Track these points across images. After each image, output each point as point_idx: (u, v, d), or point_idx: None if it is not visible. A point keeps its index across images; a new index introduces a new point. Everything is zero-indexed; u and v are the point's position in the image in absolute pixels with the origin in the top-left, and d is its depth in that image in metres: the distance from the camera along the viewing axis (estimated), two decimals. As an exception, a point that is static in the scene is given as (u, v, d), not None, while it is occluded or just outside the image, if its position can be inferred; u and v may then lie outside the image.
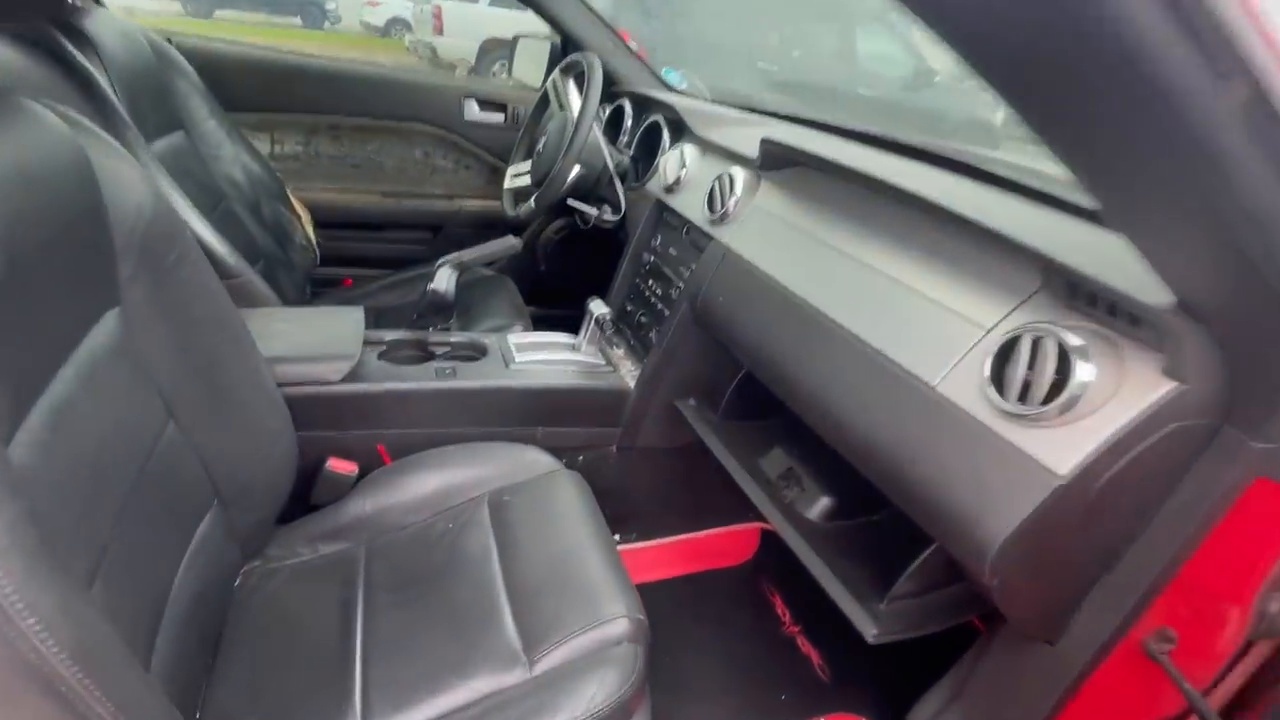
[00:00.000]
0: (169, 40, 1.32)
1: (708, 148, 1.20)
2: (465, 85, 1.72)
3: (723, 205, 1.03)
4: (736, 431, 1.08)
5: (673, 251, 1.20)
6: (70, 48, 0.93)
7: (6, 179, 0.49)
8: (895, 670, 0.99)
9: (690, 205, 1.15)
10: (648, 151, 1.40)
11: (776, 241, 0.93)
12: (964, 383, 0.63)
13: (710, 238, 1.05)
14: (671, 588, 1.26)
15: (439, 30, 7.96)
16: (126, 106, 1.01)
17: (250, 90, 1.50)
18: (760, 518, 1.33)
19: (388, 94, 1.63)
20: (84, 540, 0.54)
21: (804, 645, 1.19)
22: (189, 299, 0.73)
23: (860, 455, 0.72)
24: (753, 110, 1.38)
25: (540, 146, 1.40)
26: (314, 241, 1.55)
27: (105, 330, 0.64)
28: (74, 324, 0.58)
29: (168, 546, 0.70)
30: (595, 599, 0.82)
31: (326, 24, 11.11)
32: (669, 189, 1.22)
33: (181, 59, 1.28)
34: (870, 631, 0.75)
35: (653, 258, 1.26)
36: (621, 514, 1.24)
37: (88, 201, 0.59)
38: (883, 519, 0.92)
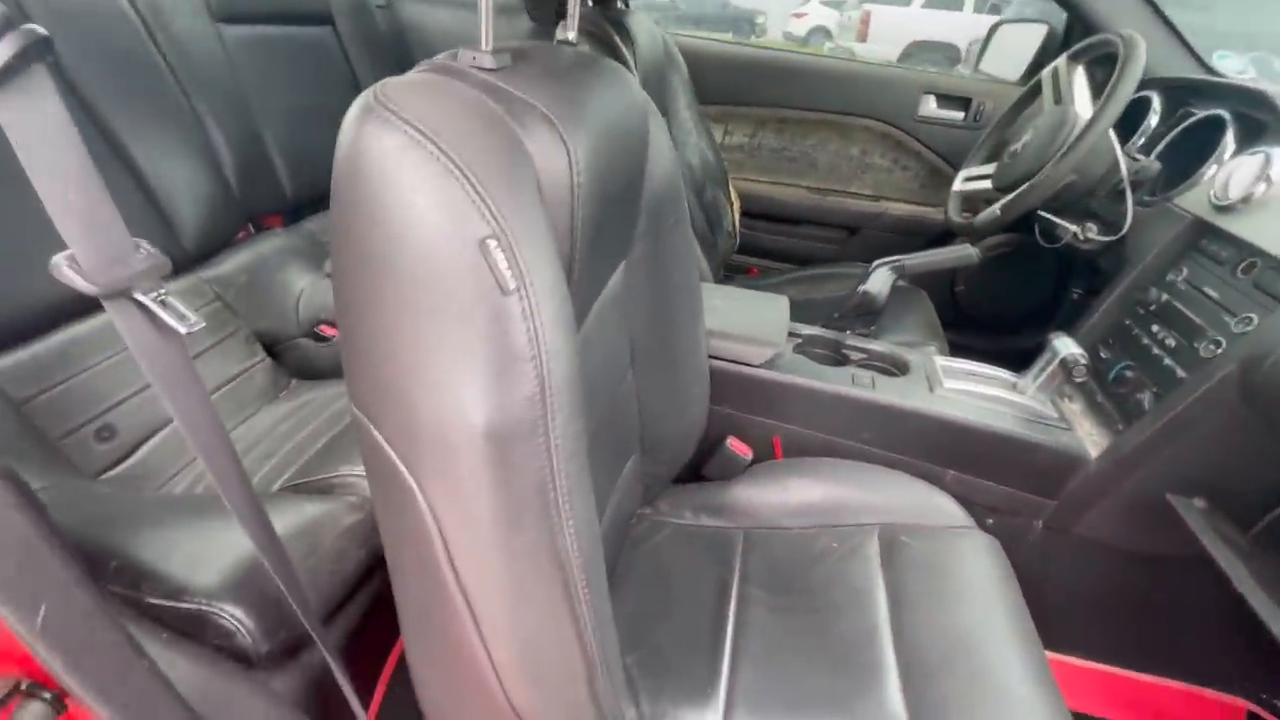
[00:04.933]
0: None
1: (1324, 153, 0.82)
2: (926, 78, 1.58)
3: (1356, 236, 0.68)
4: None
5: (1210, 292, 0.86)
6: (619, 42, 1.10)
7: (613, 130, 0.55)
8: None
9: (1268, 232, 0.80)
10: (1177, 158, 1.06)
11: None
12: None
13: (1311, 281, 0.71)
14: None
15: (863, 36, 7.86)
16: (640, 92, 1.16)
17: (719, 83, 1.63)
18: (1254, 694, 0.91)
19: (842, 86, 1.59)
20: None
21: None
22: (673, 262, 0.78)
23: None
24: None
25: (1017, 146, 1.18)
26: (737, 228, 1.63)
27: (616, 277, 0.72)
28: (606, 268, 0.66)
29: (606, 479, 0.78)
30: (1013, 706, 0.64)
31: (753, 36, 12.06)
32: (1226, 207, 0.88)
33: (678, 54, 1.44)
34: None
35: (1165, 296, 0.94)
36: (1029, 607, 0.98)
37: (639, 160, 0.65)
38: None
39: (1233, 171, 0.88)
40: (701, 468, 1.03)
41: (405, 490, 0.39)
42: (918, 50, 6.31)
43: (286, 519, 0.71)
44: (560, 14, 1.25)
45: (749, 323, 0.99)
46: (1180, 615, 0.88)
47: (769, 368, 0.98)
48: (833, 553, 0.87)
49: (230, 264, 1.16)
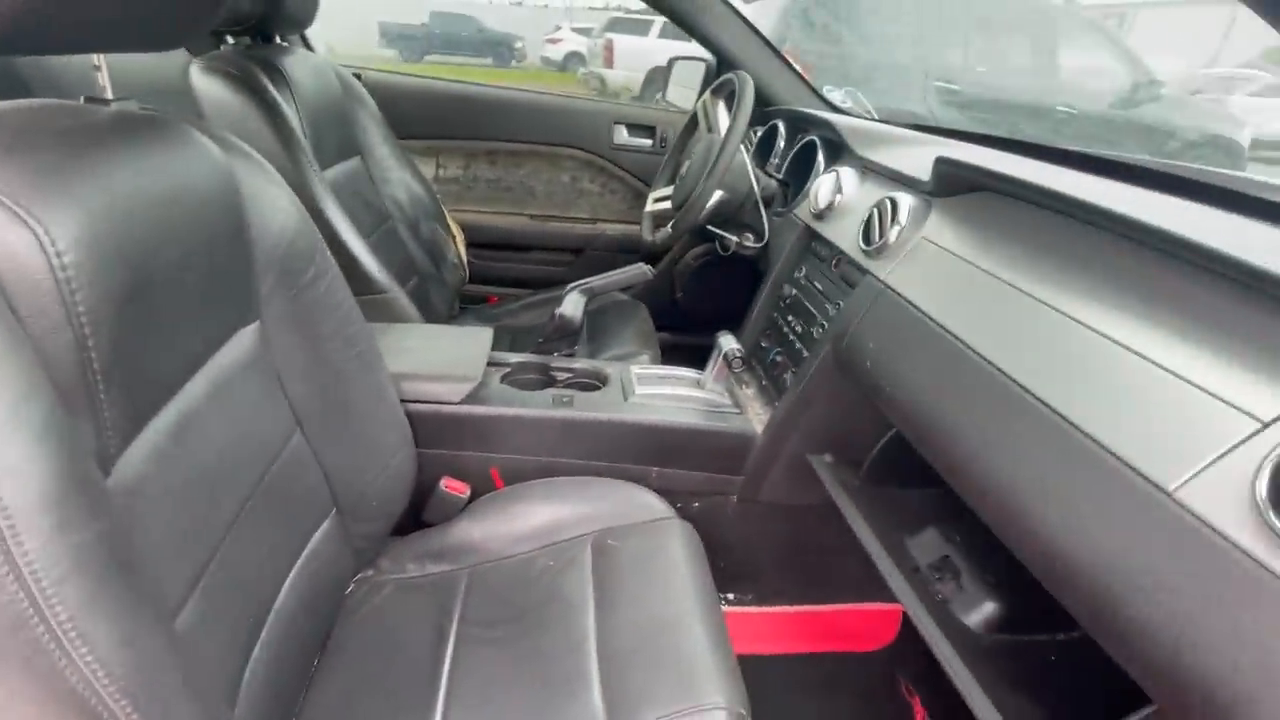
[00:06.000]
0: (358, 75, 1.46)
1: (868, 170, 1.06)
2: (616, 110, 1.73)
3: (881, 235, 0.88)
4: (880, 500, 0.91)
5: (818, 285, 1.06)
6: (266, 83, 1.03)
7: (153, 196, 0.51)
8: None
9: (843, 234, 1.01)
10: (800, 175, 1.29)
11: (948, 281, 0.77)
12: (1219, 495, 0.44)
13: (864, 272, 0.91)
14: (786, 666, 1.11)
15: (609, 63, 8.40)
16: (309, 135, 1.10)
17: (422, 119, 1.62)
18: (903, 599, 1.14)
19: (542, 119, 1.68)
20: (189, 550, 0.55)
21: (949, 768, 0.98)
22: (321, 315, 0.75)
23: (1048, 570, 0.55)
24: (925, 129, 1.21)
25: (684, 170, 1.34)
26: (465, 260, 1.63)
27: (241, 344, 0.67)
28: (207, 338, 0.60)
29: (280, 553, 0.72)
30: (693, 678, 0.72)
31: (513, 62, 12.22)
32: (819, 215, 1.09)
33: (364, 91, 1.40)
34: None
35: (794, 291, 1.13)
36: (736, 572, 1.12)
37: (231, 221, 0.61)
38: (1070, 643, 0.71)
39: (820, 186, 1.10)
40: (422, 514, 1.00)
41: None
42: (659, 76, 6.91)
43: None
44: (218, 44, 1.14)
45: (442, 360, 0.99)
46: (838, 550, 1.07)
47: (472, 401, 0.99)
48: (550, 571, 0.90)
49: None
